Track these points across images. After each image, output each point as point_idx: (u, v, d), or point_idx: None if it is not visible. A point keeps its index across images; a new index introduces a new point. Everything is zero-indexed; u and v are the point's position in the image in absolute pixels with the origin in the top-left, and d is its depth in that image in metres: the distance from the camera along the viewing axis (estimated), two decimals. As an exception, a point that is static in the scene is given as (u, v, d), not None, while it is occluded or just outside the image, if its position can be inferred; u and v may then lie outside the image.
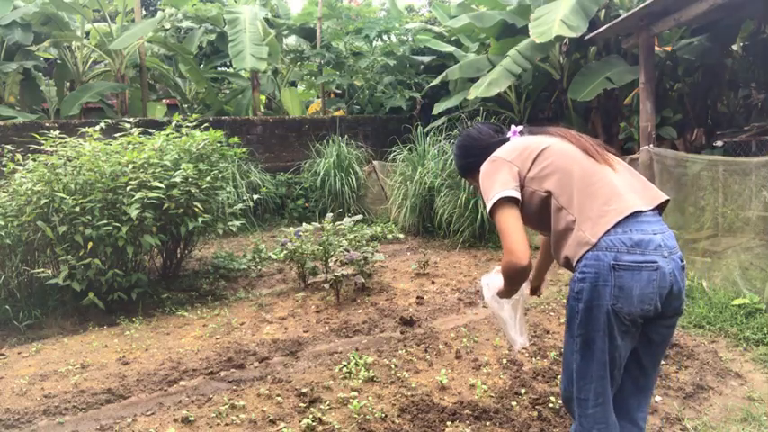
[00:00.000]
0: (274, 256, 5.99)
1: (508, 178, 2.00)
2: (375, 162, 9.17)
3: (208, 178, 5.32)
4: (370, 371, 3.48)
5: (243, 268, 6.11)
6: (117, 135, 5.54)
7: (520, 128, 2.26)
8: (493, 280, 2.30)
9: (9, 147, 5.44)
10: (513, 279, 2.04)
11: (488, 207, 2.01)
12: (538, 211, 2.03)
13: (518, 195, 1.99)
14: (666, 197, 2.01)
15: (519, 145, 2.12)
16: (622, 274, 1.83)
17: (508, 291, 2.20)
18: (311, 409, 3.06)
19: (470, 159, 2.29)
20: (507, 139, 2.25)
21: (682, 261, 1.93)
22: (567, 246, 1.96)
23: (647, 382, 2.05)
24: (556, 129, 2.18)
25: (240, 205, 6.10)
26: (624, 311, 1.84)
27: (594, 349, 1.90)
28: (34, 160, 5.04)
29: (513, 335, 2.34)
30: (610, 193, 1.92)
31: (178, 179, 4.98)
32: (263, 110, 11.99)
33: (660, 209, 2.00)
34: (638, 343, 1.97)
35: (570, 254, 1.95)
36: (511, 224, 1.95)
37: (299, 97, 12.50)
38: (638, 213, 1.89)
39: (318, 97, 12.43)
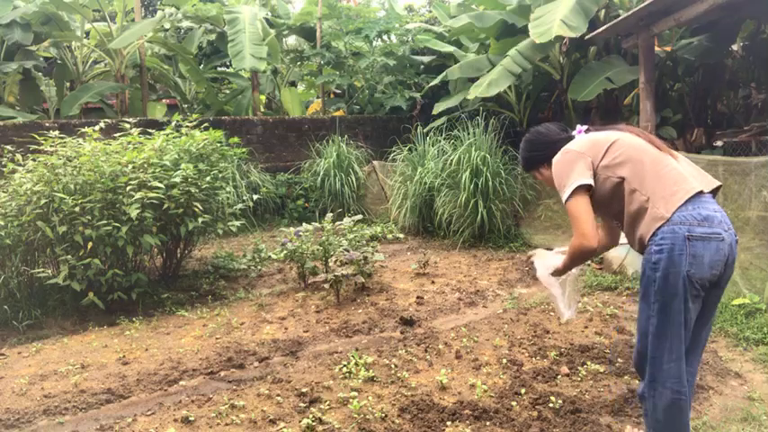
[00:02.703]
0: (274, 256, 5.99)
1: (583, 168, 2.28)
2: (375, 162, 9.16)
3: (208, 178, 5.32)
4: (370, 371, 3.48)
5: (243, 268, 6.11)
6: (117, 135, 5.54)
7: (585, 127, 2.50)
8: (549, 258, 2.61)
9: (9, 147, 5.43)
10: (580, 259, 2.40)
11: (565, 195, 2.29)
12: (609, 197, 2.29)
13: (592, 182, 2.27)
14: (719, 183, 2.29)
15: (591, 139, 2.38)
16: (695, 244, 2.10)
17: (567, 269, 2.53)
18: (311, 409, 3.07)
19: (535, 153, 2.57)
20: (572, 137, 2.49)
21: (736, 236, 2.22)
22: (641, 224, 2.21)
23: (694, 340, 2.31)
24: (623, 125, 2.44)
25: (240, 205, 6.10)
26: (697, 276, 2.12)
27: (671, 312, 2.15)
28: (34, 160, 5.04)
29: (562, 308, 2.65)
30: (677, 176, 2.20)
31: (178, 179, 4.98)
32: (263, 110, 11.98)
33: (713, 193, 2.27)
34: None
35: (645, 231, 2.20)
36: (584, 211, 2.25)
37: (299, 97, 12.49)
38: (701, 193, 2.18)
39: (318, 97, 12.41)
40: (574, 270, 2.59)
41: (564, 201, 2.29)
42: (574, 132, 2.50)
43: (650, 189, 2.18)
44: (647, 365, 2.26)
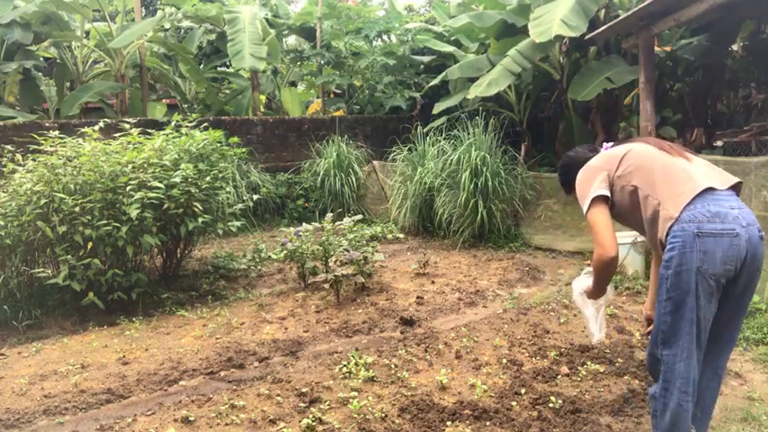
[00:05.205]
0: (274, 256, 5.99)
1: (599, 181, 2.42)
2: (375, 162, 9.16)
3: (207, 178, 5.32)
4: (370, 371, 3.48)
5: (243, 268, 6.11)
6: (117, 135, 5.54)
7: (610, 144, 2.65)
8: (582, 281, 2.71)
9: (9, 147, 5.43)
10: (603, 270, 2.41)
11: (585, 207, 2.42)
12: (629, 206, 2.40)
13: (608, 193, 2.40)
14: (738, 179, 2.34)
15: (607, 153, 2.55)
16: (706, 241, 2.15)
17: (597, 285, 2.55)
18: (311, 409, 3.07)
19: (570, 176, 2.66)
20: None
21: (760, 231, 2.23)
22: (658, 228, 2.28)
23: (724, 335, 2.36)
24: (639, 137, 2.66)
25: (240, 205, 6.10)
26: (709, 272, 2.15)
27: (684, 309, 2.19)
28: (34, 160, 5.04)
29: (593, 329, 2.74)
30: (684, 176, 2.28)
31: (178, 179, 4.98)
32: (263, 110, 11.98)
33: (735, 190, 2.31)
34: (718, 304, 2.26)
35: (661, 233, 2.27)
36: (601, 221, 2.36)
37: (299, 97, 12.48)
38: (712, 190, 2.22)
39: (318, 97, 12.41)
40: (610, 293, 2.67)
41: (584, 213, 2.42)
42: (602, 150, 2.63)
43: (660, 193, 2.27)
44: (660, 366, 2.30)
